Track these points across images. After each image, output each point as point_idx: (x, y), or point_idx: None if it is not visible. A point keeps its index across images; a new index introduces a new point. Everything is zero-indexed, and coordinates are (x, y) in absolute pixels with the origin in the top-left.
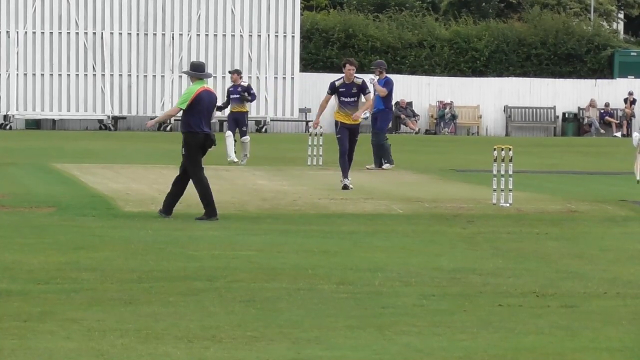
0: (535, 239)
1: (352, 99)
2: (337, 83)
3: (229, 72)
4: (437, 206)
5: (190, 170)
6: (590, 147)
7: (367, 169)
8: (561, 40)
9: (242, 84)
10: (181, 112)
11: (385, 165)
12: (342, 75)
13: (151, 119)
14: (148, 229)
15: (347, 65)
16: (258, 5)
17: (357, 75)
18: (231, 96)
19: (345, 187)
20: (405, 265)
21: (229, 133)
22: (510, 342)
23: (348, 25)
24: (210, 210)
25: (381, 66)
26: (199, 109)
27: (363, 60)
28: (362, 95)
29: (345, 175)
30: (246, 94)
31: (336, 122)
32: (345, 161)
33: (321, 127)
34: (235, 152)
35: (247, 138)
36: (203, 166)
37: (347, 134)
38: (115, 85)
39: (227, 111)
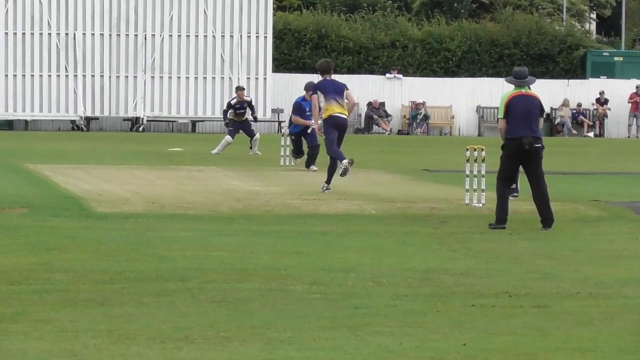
0: (507, 239)
1: None
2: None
3: (236, 88)
4: (410, 206)
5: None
6: (562, 147)
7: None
8: (534, 40)
9: (246, 98)
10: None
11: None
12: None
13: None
14: (120, 229)
15: None
16: (230, 5)
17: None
18: (238, 111)
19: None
20: (377, 265)
21: (230, 139)
22: (483, 343)
23: (320, 25)
24: (496, 221)
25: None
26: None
27: (336, 61)
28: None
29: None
30: (249, 109)
31: None
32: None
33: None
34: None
35: (257, 135)
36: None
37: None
38: (87, 86)
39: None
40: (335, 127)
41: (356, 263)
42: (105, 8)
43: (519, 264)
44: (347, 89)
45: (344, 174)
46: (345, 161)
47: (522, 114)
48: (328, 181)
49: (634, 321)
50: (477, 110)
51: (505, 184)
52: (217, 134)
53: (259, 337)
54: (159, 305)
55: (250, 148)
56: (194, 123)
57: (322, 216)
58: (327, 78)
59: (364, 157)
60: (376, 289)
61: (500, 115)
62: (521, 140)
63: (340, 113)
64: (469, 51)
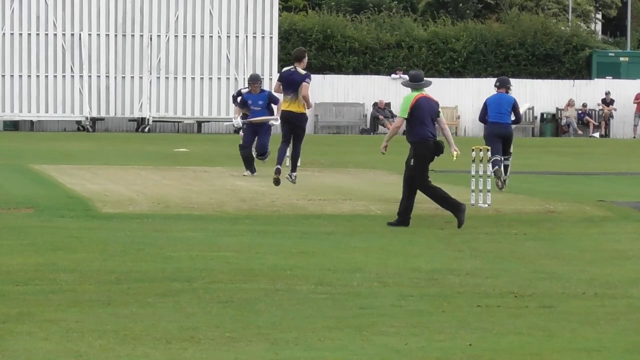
0: (513, 239)
1: None
2: None
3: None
4: (415, 207)
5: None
6: (568, 148)
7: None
8: (539, 40)
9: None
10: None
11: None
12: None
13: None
14: (126, 230)
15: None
16: (236, 6)
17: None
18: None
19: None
20: (383, 265)
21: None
22: (489, 343)
23: (326, 26)
24: (456, 212)
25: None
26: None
27: (341, 61)
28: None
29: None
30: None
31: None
32: None
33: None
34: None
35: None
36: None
37: None
38: (93, 87)
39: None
40: (284, 121)
41: (362, 263)
42: (110, 8)
43: (525, 264)
44: (306, 82)
45: (275, 183)
46: (275, 168)
47: (427, 116)
48: (293, 169)
49: (639, 321)
50: None
51: (431, 185)
52: (222, 134)
53: (265, 338)
54: (164, 306)
55: None
56: (199, 123)
57: (327, 216)
58: (292, 69)
59: (370, 158)
60: (382, 289)
61: (404, 115)
62: (435, 141)
63: (288, 109)
64: (474, 51)
